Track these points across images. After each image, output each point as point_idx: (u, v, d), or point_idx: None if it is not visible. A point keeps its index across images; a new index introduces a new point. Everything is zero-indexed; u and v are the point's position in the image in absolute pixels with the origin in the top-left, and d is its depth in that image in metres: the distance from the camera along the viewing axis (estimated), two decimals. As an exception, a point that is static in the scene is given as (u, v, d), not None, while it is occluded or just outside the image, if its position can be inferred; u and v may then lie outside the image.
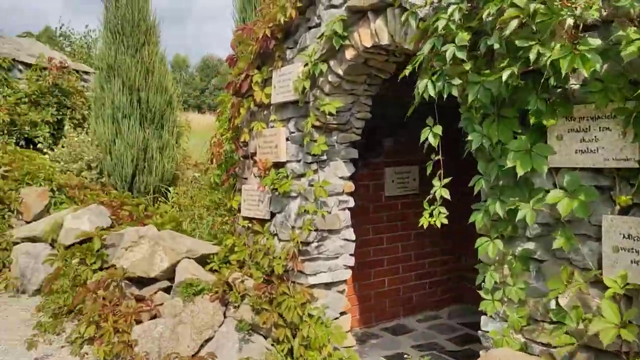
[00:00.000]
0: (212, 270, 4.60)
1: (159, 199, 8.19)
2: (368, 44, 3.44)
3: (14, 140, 8.39)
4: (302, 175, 4.17)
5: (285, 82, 4.23)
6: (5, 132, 8.33)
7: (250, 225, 4.63)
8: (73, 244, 5.25)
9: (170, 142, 8.79)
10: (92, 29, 16.80)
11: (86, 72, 10.18)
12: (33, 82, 8.91)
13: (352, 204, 4.25)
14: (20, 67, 9.01)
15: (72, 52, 14.41)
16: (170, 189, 8.11)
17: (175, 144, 9.04)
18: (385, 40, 3.31)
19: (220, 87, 52.17)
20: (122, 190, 8.05)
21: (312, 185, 4.07)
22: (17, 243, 5.47)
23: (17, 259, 5.30)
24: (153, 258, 4.54)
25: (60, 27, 15.57)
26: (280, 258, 4.16)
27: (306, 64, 3.92)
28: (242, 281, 4.21)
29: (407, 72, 2.78)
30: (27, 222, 5.90)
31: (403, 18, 2.86)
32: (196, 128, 12.59)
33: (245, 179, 4.84)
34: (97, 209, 5.67)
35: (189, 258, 4.58)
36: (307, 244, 4.10)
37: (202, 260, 4.69)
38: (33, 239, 5.52)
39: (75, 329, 4.19)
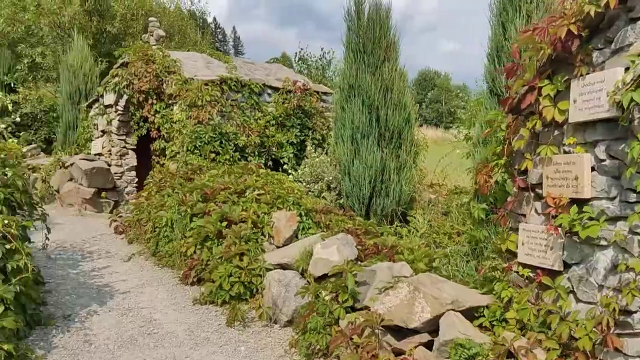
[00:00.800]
0: (481, 327, 3.79)
1: (396, 223, 7.77)
2: None
3: (263, 161, 8.85)
4: (619, 219, 3.11)
5: (592, 94, 3.21)
6: (256, 153, 8.83)
7: (532, 275, 3.68)
8: (323, 276, 5.00)
9: (407, 163, 8.31)
10: (327, 51, 17.60)
11: (325, 93, 10.39)
12: (280, 104, 9.34)
13: (695, 261, 3.00)
14: (269, 91, 9.55)
15: (309, 74, 15.18)
16: (415, 214, 7.55)
17: (413, 164, 8.53)
18: None
19: (436, 99, 51.55)
20: (358, 212, 7.85)
21: (636, 233, 2.97)
22: (269, 269, 5.44)
23: (269, 286, 5.24)
24: (413, 306, 3.91)
25: (300, 52, 16.67)
26: (584, 327, 3.13)
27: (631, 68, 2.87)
28: (530, 350, 3.30)
29: None
30: (278, 247, 5.89)
31: None
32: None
33: (523, 215, 3.91)
34: (345, 238, 5.34)
35: (454, 310, 3.84)
36: (627, 312, 3.01)
37: (469, 313, 3.90)
38: (283, 266, 5.44)
39: (330, 377, 3.79)
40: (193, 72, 8.95)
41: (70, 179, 9.68)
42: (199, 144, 8.22)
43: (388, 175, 8.08)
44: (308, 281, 5.15)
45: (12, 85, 13.69)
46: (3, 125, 4.87)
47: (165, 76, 9.14)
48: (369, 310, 4.28)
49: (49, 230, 5.14)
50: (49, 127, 13.35)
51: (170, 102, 9.09)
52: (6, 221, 4.09)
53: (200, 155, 8.19)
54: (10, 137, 5.17)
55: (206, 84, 8.67)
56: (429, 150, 10.22)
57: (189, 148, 8.22)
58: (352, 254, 5.24)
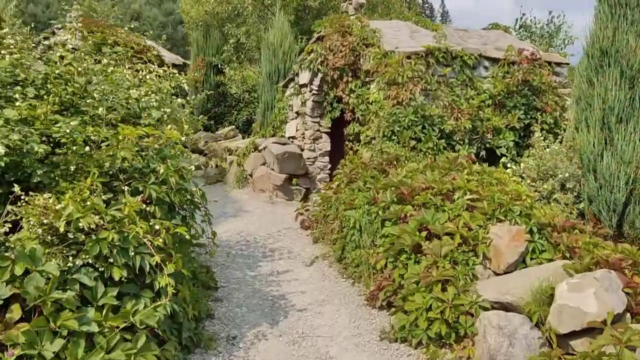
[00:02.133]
0: None
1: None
2: None
3: (474, 151, 7.18)
4: None
5: None
6: (466, 141, 7.20)
7: None
8: (571, 333, 3.33)
9: (687, 158, 5.84)
10: (556, 15, 14.69)
11: (559, 64, 8.16)
12: (499, 80, 7.51)
13: None
14: (485, 63, 7.75)
15: (532, 43, 12.72)
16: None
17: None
18: None
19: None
20: (607, 223, 5.77)
21: None
22: (485, 308, 3.91)
23: (484, 332, 3.74)
24: None
25: (522, 18, 14.13)
26: None
27: None
28: None
29: None
30: (496, 274, 4.32)
31: None
32: None
33: None
34: (607, 279, 3.54)
35: None
36: None
37: None
38: (505, 306, 3.87)
39: None
40: (394, 44, 7.63)
41: (263, 164, 9.28)
42: (397, 128, 6.91)
43: (657, 174, 5.77)
44: (547, 337, 3.52)
45: (219, 66, 14.10)
46: (168, 110, 4.14)
47: (362, 49, 8.01)
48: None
49: (214, 234, 4.39)
50: (251, 108, 13.45)
51: (366, 79, 7.95)
52: (157, 227, 3.33)
53: (398, 143, 6.89)
54: (187, 120, 4.52)
55: (408, 57, 7.29)
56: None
57: (385, 133, 6.97)
58: (618, 304, 3.45)
